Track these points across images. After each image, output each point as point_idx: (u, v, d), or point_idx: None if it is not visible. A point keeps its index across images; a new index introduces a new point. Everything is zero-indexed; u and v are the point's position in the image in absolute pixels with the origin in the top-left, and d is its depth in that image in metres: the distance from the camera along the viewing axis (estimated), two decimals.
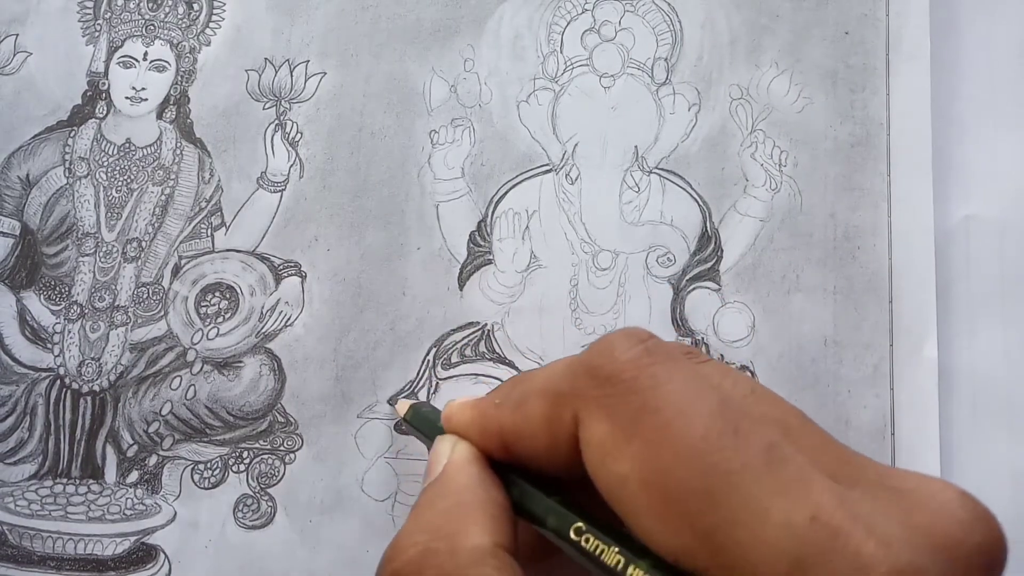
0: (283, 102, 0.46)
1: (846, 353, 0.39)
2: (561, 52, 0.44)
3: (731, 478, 0.21)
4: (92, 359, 0.44)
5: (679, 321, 0.41)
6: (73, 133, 0.47)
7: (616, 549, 0.23)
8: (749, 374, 0.40)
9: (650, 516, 0.22)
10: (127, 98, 0.47)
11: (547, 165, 0.43)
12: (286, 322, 0.43)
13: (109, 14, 0.48)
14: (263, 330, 0.43)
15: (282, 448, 0.42)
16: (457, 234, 0.43)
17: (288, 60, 0.46)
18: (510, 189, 0.43)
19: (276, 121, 0.45)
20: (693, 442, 0.21)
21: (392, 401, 0.41)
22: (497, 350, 0.41)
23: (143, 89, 0.47)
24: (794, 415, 0.24)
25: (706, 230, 0.42)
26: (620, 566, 0.23)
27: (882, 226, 0.40)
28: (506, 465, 0.27)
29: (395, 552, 0.25)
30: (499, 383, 0.41)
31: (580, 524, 0.24)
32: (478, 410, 0.28)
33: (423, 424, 0.36)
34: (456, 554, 0.24)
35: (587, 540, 0.24)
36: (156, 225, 0.45)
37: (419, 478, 0.40)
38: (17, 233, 0.46)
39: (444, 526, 0.25)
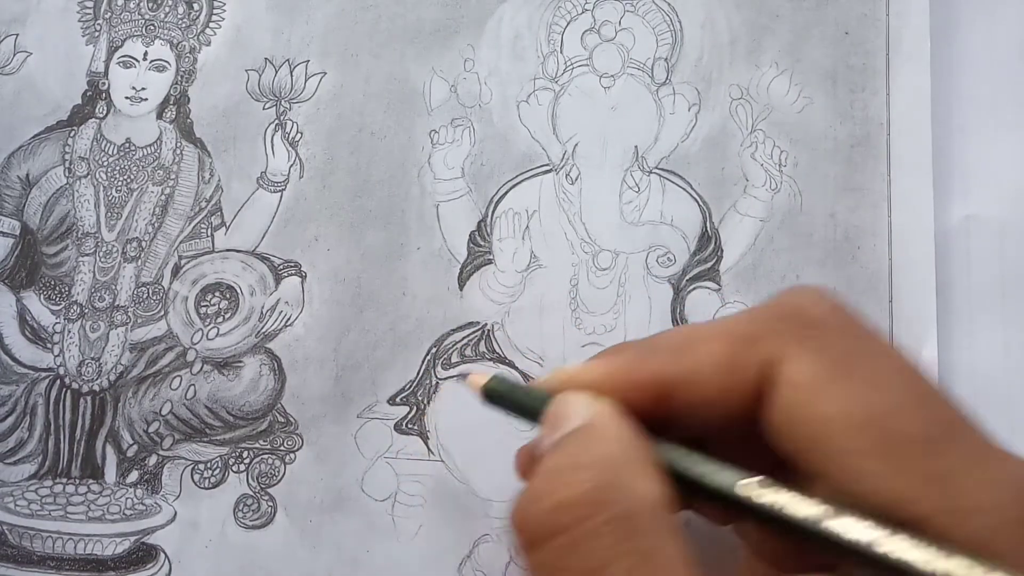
0: (283, 102, 0.46)
1: None
2: (561, 52, 0.44)
3: (958, 426, 0.22)
4: (92, 359, 0.44)
5: (679, 321, 0.41)
6: (73, 133, 0.47)
7: (815, 500, 0.22)
8: None
9: (869, 458, 0.21)
10: (127, 98, 0.47)
11: (547, 165, 0.43)
12: (286, 322, 0.43)
13: (109, 14, 0.48)
14: (263, 330, 0.43)
15: (282, 448, 0.42)
16: (457, 234, 0.43)
17: (288, 60, 0.46)
18: (510, 189, 0.43)
19: (276, 121, 0.45)
20: (923, 388, 0.22)
21: (461, 378, 0.38)
22: (497, 350, 0.41)
23: (143, 89, 0.47)
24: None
25: (706, 230, 0.42)
26: (816, 518, 0.22)
27: (882, 226, 0.40)
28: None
29: (555, 486, 0.23)
30: None
31: (760, 478, 0.23)
32: (616, 363, 0.26)
33: (511, 396, 0.31)
34: (635, 496, 0.22)
35: (772, 493, 0.23)
36: (156, 225, 0.45)
37: (419, 478, 0.40)
38: (17, 233, 0.46)
39: (608, 469, 0.23)
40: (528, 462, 0.28)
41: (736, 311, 0.27)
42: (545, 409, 0.29)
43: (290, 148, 0.45)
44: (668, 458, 0.25)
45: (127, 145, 0.46)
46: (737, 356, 0.24)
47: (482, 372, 0.33)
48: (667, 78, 0.43)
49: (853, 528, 0.21)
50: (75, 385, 0.44)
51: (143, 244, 0.45)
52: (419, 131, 0.44)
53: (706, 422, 0.25)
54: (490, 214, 0.43)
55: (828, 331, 0.24)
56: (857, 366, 0.23)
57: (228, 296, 0.44)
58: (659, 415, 0.25)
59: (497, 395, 0.32)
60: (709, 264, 0.41)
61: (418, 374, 0.42)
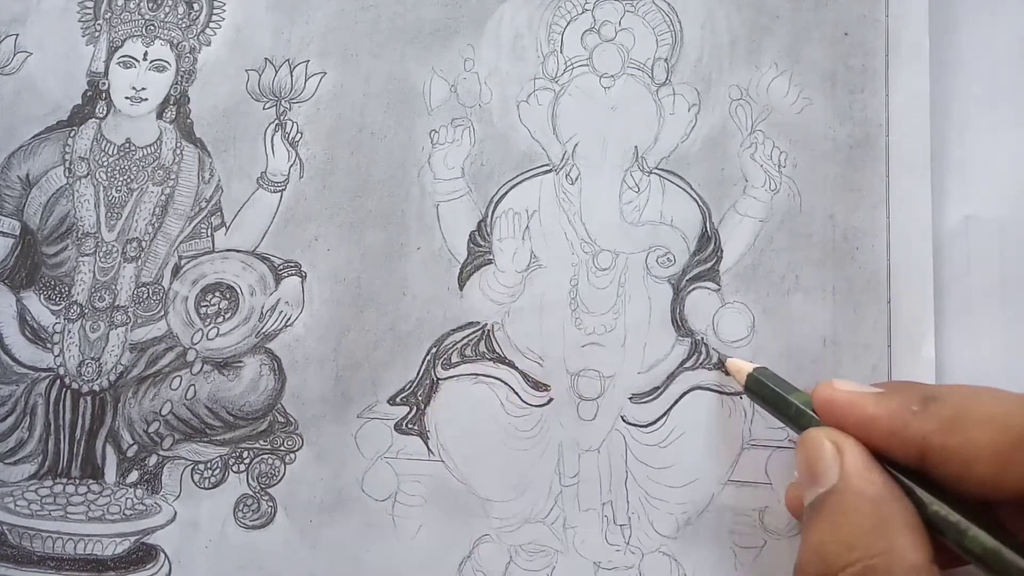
0: (283, 102, 0.46)
1: (845, 353, 0.39)
2: (561, 52, 0.44)
3: None
4: (92, 359, 0.44)
5: (679, 321, 0.41)
6: (73, 133, 0.47)
7: None
8: None
9: None
10: (127, 98, 0.47)
11: (547, 165, 0.43)
12: (286, 322, 0.43)
13: (109, 14, 0.48)
14: (263, 330, 0.43)
15: (282, 448, 0.42)
16: (457, 234, 0.43)
17: (288, 60, 0.46)
18: (510, 189, 0.43)
19: (276, 121, 0.45)
20: None
21: (719, 364, 0.39)
22: (497, 350, 0.41)
23: (143, 89, 0.47)
24: None
25: (706, 230, 0.42)
26: None
27: (881, 226, 0.40)
28: (898, 467, 0.27)
29: (827, 568, 0.24)
30: (497, 382, 0.41)
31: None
32: (888, 410, 0.27)
33: (772, 394, 0.34)
34: (904, 569, 0.24)
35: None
36: (156, 225, 0.45)
37: (419, 477, 0.40)
38: (17, 233, 0.46)
39: (875, 542, 0.24)
40: (797, 503, 0.30)
41: (996, 391, 0.27)
42: (802, 421, 0.31)
43: (290, 148, 0.45)
44: (931, 513, 0.26)
45: (127, 145, 0.46)
46: (1012, 454, 0.24)
47: (745, 362, 0.35)
48: (667, 78, 0.43)
49: None
50: (75, 385, 0.44)
51: (143, 244, 0.45)
52: (419, 131, 0.44)
53: (967, 492, 0.26)
54: (490, 214, 0.43)
55: None
56: None
57: (228, 296, 0.44)
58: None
59: (758, 387, 0.34)
60: (709, 264, 0.41)
61: (418, 374, 0.42)
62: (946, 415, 0.26)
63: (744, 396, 0.39)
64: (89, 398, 0.43)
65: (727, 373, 0.38)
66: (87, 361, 0.44)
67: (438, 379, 0.41)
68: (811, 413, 0.31)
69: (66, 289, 0.45)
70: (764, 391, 0.35)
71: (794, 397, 0.33)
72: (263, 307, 0.43)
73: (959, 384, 0.29)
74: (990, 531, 0.25)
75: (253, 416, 0.42)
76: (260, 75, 0.46)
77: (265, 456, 0.42)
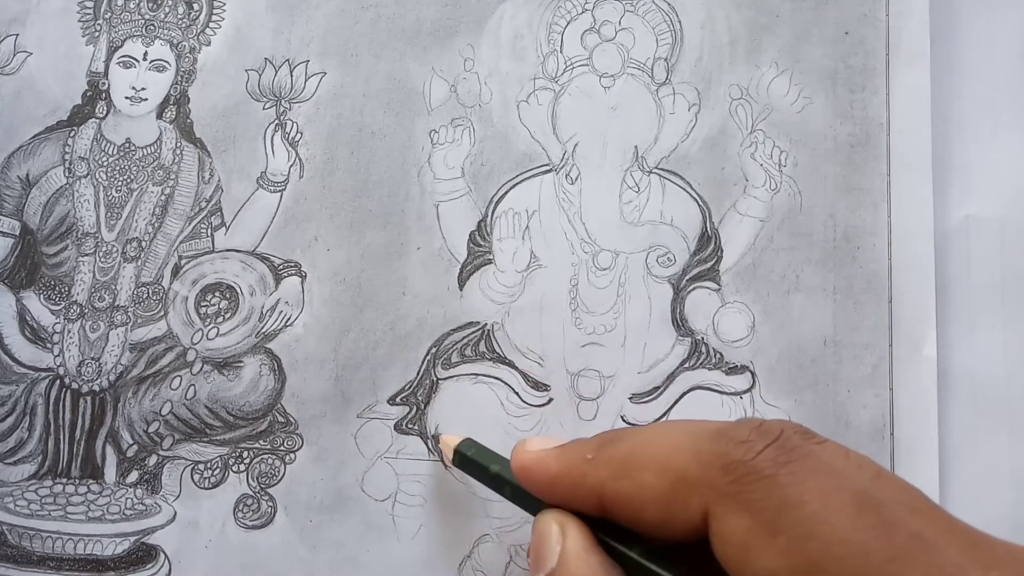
0: (283, 102, 0.46)
1: (845, 353, 0.39)
2: (561, 52, 0.44)
3: (887, 568, 0.21)
4: (92, 359, 0.44)
5: (679, 321, 0.41)
6: (73, 133, 0.47)
7: None
8: (750, 375, 0.40)
9: None
10: (127, 98, 0.47)
11: (547, 165, 0.43)
12: (286, 322, 0.43)
13: (109, 14, 0.48)
14: (263, 330, 0.43)
15: (282, 448, 0.42)
16: (457, 234, 0.43)
17: (288, 60, 0.46)
18: (510, 189, 0.43)
19: (276, 121, 0.45)
20: (844, 535, 0.22)
21: (434, 437, 0.40)
22: (497, 350, 0.41)
23: (143, 89, 0.47)
24: (918, 496, 0.24)
25: (706, 230, 0.42)
26: None
27: (882, 226, 0.40)
28: (608, 524, 0.27)
29: None
30: (497, 382, 0.41)
31: None
32: (567, 463, 0.28)
33: (476, 466, 0.35)
34: None
35: None
36: (156, 225, 0.45)
37: (419, 477, 0.40)
38: (17, 233, 0.46)
39: None
40: None
41: (681, 423, 0.27)
42: (506, 492, 0.32)
43: (290, 148, 0.45)
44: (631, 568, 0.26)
45: (127, 145, 0.46)
46: (675, 497, 0.25)
47: (450, 440, 0.36)
48: (667, 78, 0.43)
49: None
50: (75, 385, 0.44)
51: (143, 244, 0.45)
52: (419, 131, 0.44)
53: (648, 534, 0.26)
54: (490, 214, 0.43)
55: (758, 486, 0.23)
56: (786, 519, 0.22)
57: (228, 296, 0.44)
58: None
59: (465, 460, 0.34)
60: (709, 264, 0.41)
61: (418, 374, 0.42)
62: (617, 461, 0.26)
63: (743, 396, 0.39)
64: (89, 398, 0.43)
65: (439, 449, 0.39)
66: (87, 361, 0.44)
67: (438, 379, 0.41)
68: (512, 481, 0.31)
69: (66, 289, 0.45)
70: (468, 464, 0.35)
71: (496, 466, 0.33)
72: (263, 307, 0.43)
73: (649, 424, 0.29)
74: None
75: (253, 416, 0.42)
76: (260, 75, 0.46)
77: (265, 456, 0.42)
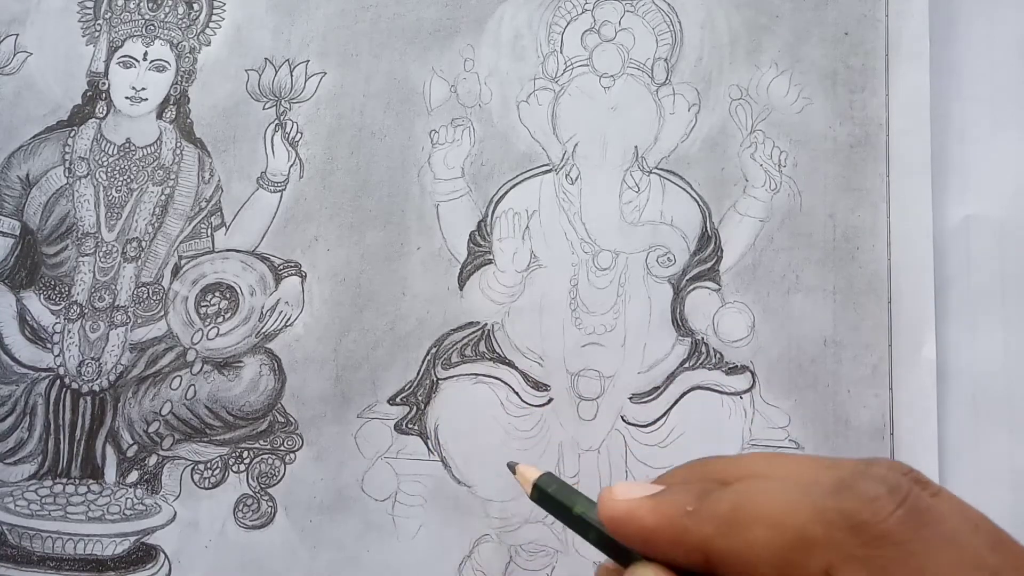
0: (283, 102, 0.46)
1: (845, 353, 0.39)
2: (561, 52, 0.44)
3: None
4: (92, 359, 0.44)
5: (679, 321, 0.41)
6: (73, 133, 0.47)
7: None
8: (750, 375, 0.40)
9: None
10: (127, 98, 0.47)
11: (547, 165, 0.43)
12: (286, 322, 0.43)
13: (109, 14, 0.48)
14: (263, 330, 0.43)
15: (282, 448, 0.42)
16: (457, 234, 0.43)
17: (288, 60, 0.46)
18: (510, 189, 0.43)
19: (276, 121, 0.45)
20: None
21: (511, 468, 0.39)
22: (497, 350, 0.41)
23: (143, 89, 0.47)
24: None
25: (706, 230, 0.42)
26: None
27: (881, 226, 0.40)
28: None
29: None
30: (497, 382, 0.41)
31: None
32: (665, 517, 0.26)
33: (557, 505, 0.33)
34: None
35: None
36: (156, 225, 0.45)
37: (419, 477, 0.40)
38: (17, 233, 0.46)
39: None
40: None
41: (794, 466, 0.25)
42: (588, 532, 0.29)
43: (290, 148, 0.45)
44: None
45: (127, 145, 0.46)
46: (791, 557, 0.24)
47: (527, 473, 0.34)
48: (667, 78, 0.43)
49: None
50: (75, 385, 0.44)
51: (143, 244, 0.45)
52: (419, 131, 0.44)
53: None
54: (490, 214, 0.43)
55: (891, 547, 0.22)
56: None
57: (228, 296, 0.44)
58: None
59: (546, 496, 0.33)
60: (709, 264, 0.41)
61: (418, 374, 0.42)
62: (722, 515, 0.25)
63: (743, 396, 0.39)
64: (89, 398, 0.43)
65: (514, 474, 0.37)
66: (87, 361, 0.44)
67: (438, 379, 0.41)
68: (598, 527, 0.30)
69: (66, 289, 0.45)
70: (547, 502, 0.34)
71: (580, 508, 0.32)
72: (263, 307, 0.43)
73: (748, 460, 0.28)
74: None
75: (253, 416, 0.42)
76: (260, 75, 0.46)
77: (265, 456, 0.42)
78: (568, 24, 0.45)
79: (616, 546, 0.28)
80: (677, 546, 0.26)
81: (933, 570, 0.22)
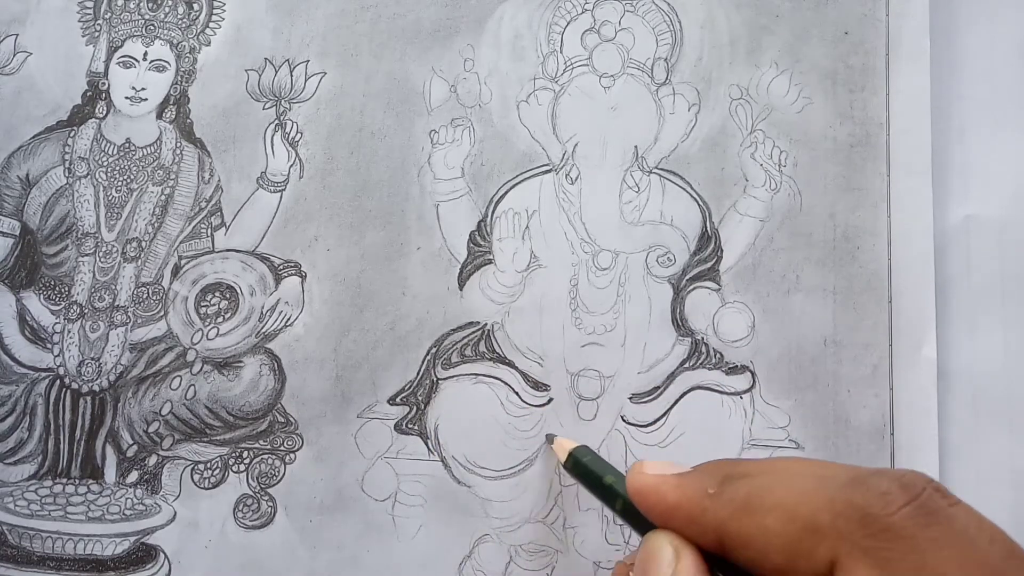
0: (283, 102, 0.46)
1: (846, 353, 0.39)
2: (561, 52, 0.44)
3: None
4: (92, 359, 0.44)
5: (679, 321, 0.41)
6: (73, 133, 0.47)
7: None
8: (750, 375, 0.40)
9: None
10: (127, 98, 0.47)
11: (547, 165, 0.43)
12: (286, 322, 0.43)
13: (109, 14, 0.48)
14: (263, 330, 0.43)
15: (282, 448, 0.42)
16: (457, 234, 0.43)
17: (288, 60, 0.46)
18: (510, 189, 0.43)
19: (276, 121, 0.45)
20: None
21: (549, 440, 0.39)
22: (497, 350, 0.41)
23: (143, 89, 0.47)
24: None
25: (706, 230, 0.42)
26: None
27: (881, 226, 0.40)
28: (720, 561, 0.26)
29: None
30: (497, 382, 0.41)
31: None
32: (686, 496, 0.27)
33: (590, 475, 0.34)
34: None
35: None
36: (156, 225, 0.45)
37: (419, 477, 0.40)
38: (17, 233, 0.46)
39: None
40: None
41: (815, 466, 0.26)
42: (616, 505, 0.31)
43: (290, 148, 0.45)
44: None
45: (127, 145, 0.46)
46: (799, 544, 0.24)
47: (565, 445, 0.35)
48: (667, 78, 0.43)
49: None
50: (75, 385, 0.44)
51: (143, 244, 0.45)
52: (419, 131, 0.44)
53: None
54: (490, 214, 0.43)
55: (895, 545, 0.23)
56: None
57: (228, 296, 0.44)
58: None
59: (580, 467, 0.34)
60: (709, 264, 0.41)
61: (418, 374, 0.42)
62: (740, 500, 0.26)
63: (743, 396, 0.39)
64: (89, 398, 0.43)
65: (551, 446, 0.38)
66: (87, 361, 0.44)
67: (438, 379, 0.41)
68: (624, 497, 0.31)
69: (66, 289, 0.45)
70: (580, 471, 0.35)
71: (611, 478, 0.33)
72: (263, 307, 0.43)
73: (771, 460, 0.28)
74: None
75: (253, 416, 0.42)
76: (260, 75, 0.46)
77: (265, 456, 0.42)
78: (568, 24, 0.45)
79: (639, 517, 0.29)
80: (694, 524, 0.26)
81: (937, 568, 0.22)
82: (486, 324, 0.42)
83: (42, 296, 0.45)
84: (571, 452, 0.35)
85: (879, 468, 0.25)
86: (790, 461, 0.27)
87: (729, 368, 0.40)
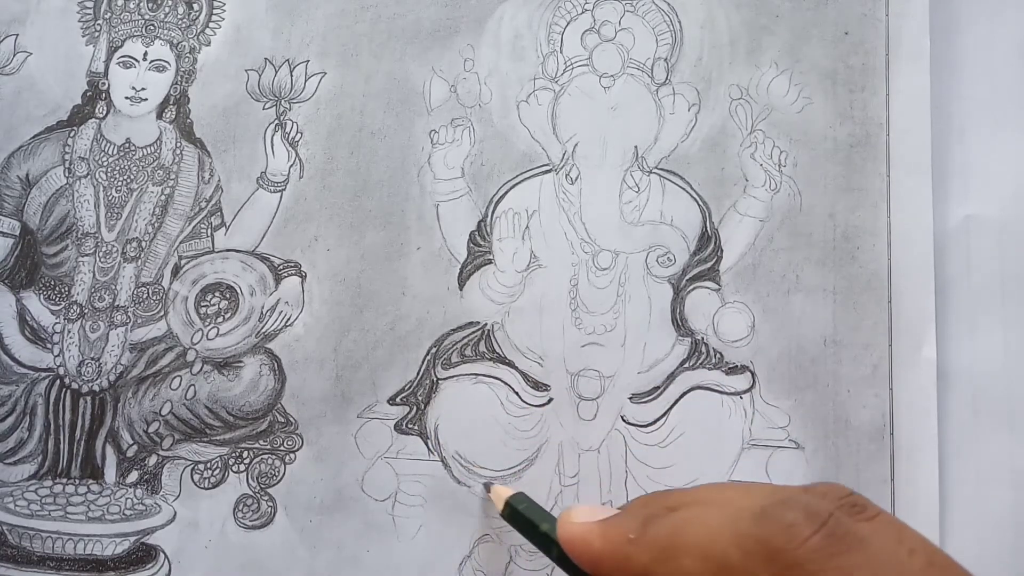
0: (283, 102, 0.46)
1: (845, 353, 0.39)
2: (561, 52, 0.44)
3: None
4: (92, 359, 0.44)
5: (679, 321, 0.41)
6: (73, 133, 0.47)
7: None
8: (750, 375, 0.40)
9: None
10: (127, 98, 0.47)
11: (547, 165, 0.43)
12: (286, 322, 0.43)
13: (109, 14, 0.48)
14: (263, 330, 0.43)
15: (282, 448, 0.42)
16: (457, 234, 0.43)
17: (288, 60, 0.46)
18: (510, 189, 0.43)
19: (276, 121, 0.45)
20: None
21: (487, 487, 0.39)
22: (497, 350, 0.41)
23: (143, 89, 0.47)
24: None
25: (706, 230, 0.42)
26: None
27: (881, 226, 0.40)
28: None
29: None
30: (497, 382, 0.41)
31: None
32: (610, 544, 0.27)
33: (525, 523, 0.34)
34: None
35: None
36: (156, 225, 0.45)
37: (419, 477, 0.40)
38: (17, 233, 0.46)
39: None
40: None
41: (734, 493, 0.26)
42: (551, 549, 0.31)
43: (290, 148, 0.45)
44: None
45: (127, 145, 0.46)
46: None
47: (501, 493, 0.36)
48: (667, 78, 0.43)
49: None
50: (75, 385, 0.44)
51: (143, 244, 0.45)
52: (419, 131, 0.44)
53: None
54: (490, 214, 0.43)
55: None
56: None
57: (228, 296, 0.44)
58: None
59: (516, 514, 0.34)
60: (709, 264, 0.41)
61: (418, 374, 0.42)
62: (661, 542, 0.25)
63: (743, 396, 0.39)
64: (89, 398, 0.43)
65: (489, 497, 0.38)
66: (87, 361, 0.44)
67: (438, 379, 0.41)
68: (559, 544, 0.30)
69: (66, 289, 0.45)
70: (517, 519, 0.35)
71: (547, 525, 0.32)
72: (263, 307, 0.43)
73: (698, 489, 0.28)
74: None
75: (253, 416, 0.42)
76: (260, 75, 0.46)
77: (265, 456, 0.42)
78: (568, 24, 0.45)
79: (575, 568, 0.29)
80: (621, 571, 0.26)
81: None
82: (486, 324, 0.42)
83: (42, 296, 0.45)
84: (507, 500, 0.35)
85: (792, 493, 0.24)
86: (715, 489, 0.27)
87: (729, 368, 0.40)
